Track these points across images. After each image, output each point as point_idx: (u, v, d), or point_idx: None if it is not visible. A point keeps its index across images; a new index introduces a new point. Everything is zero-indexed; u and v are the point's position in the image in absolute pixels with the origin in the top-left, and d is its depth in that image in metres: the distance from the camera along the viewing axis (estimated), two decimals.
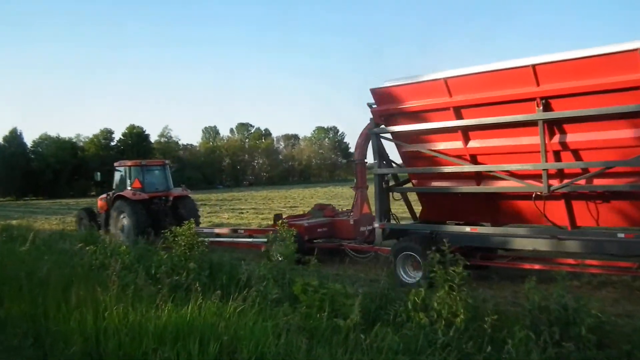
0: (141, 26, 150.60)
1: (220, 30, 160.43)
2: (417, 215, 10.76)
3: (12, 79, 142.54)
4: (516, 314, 5.59)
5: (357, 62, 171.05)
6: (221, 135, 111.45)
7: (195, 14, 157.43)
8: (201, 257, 8.60)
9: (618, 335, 5.29)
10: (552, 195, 8.20)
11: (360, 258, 11.83)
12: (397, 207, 11.42)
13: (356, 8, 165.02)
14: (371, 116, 10.38)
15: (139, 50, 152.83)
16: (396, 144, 10.20)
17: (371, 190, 11.46)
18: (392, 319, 5.82)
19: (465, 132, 8.93)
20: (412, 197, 10.97)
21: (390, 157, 10.57)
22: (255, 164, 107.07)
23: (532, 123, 8.04)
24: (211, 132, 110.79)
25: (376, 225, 10.29)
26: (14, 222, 25.51)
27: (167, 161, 19.22)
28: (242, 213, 27.91)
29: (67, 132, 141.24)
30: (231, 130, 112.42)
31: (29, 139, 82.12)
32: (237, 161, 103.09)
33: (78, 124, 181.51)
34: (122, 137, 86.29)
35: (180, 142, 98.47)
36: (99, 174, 20.53)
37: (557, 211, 8.46)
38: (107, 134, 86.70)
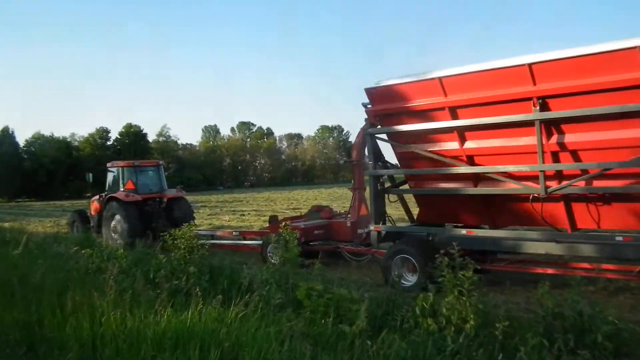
0: (140, 24, 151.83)
1: (220, 29, 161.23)
2: (415, 217, 10.82)
3: (3, 77, 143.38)
4: (529, 320, 5.58)
5: (358, 62, 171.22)
6: (222, 134, 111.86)
7: (195, 12, 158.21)
8: (201, 260, 8.63)
9: (636, 343, 5.28)
10: (550, 197, 8.25)
11: (356, 261, 11.95)
12: (396, 209, 11.43)
13: (356, 8, 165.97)
14: (366, 116, 10.46)
15: (137, 48, 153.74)
16: (391, 145, 10.27)
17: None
18: (399, 325, 5.84)
19: (461, 133, 8.98)
20: (410, 198, 11.02)
21: (386, 158, 10.66)
22: (257, 164, 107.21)
23: (528, 123, 8.08)
24: (211, 131, 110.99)
25: (371, 227, 10.38)
26: (6, 224, 25.64)
27: (160, 162, 19.27)
28: (244, 215, 27.95)
29: (61, 131, 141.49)
30: (232, 130, 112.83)
31: (21, 138, 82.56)
32: (238, 161, 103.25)
33: (73, 122, 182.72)
34: (118, 137, 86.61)
35: (179, 142, 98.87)
36: (90, 174, 20.58)
37: (556, 213, 8.51)
38: (104, 133, 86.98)
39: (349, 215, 13.08)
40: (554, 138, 8.02)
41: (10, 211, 44.42)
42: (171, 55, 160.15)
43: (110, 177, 17.87)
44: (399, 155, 10.35)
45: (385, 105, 9.87)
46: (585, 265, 8.84)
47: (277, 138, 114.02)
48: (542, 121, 7.92)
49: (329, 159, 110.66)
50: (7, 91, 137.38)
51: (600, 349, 4.79)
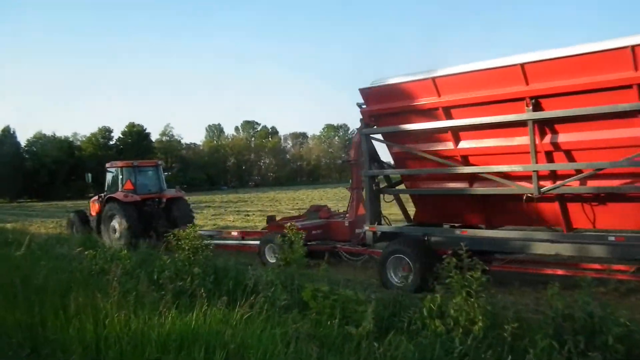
0: (142, 22, 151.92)
1: (223, 28, 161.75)
2: (412, 217, 10.88)
3: (4, 75, 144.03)
4: (538, 321, 5.56)
5: (360, 62, 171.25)
6: (226, 133, 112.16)
7: (199, 10, 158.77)
8: (206, 261, 8.66)
9: None
10: (544, 197, 8.27)
11: (353, 261, 12.02)
12: (395, 209, 11.48)
13: (356, 8, 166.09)
14: (361, 117, 10.51)
15: (140, 47, 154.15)
16: (387, 145, 10.32)
17: None
18: (406, 327, 5.85)
19: (456, 133, 9.02)
20: (408, 198, 11.04)
21: (382, 158, 10.72)
22: (261, 163, 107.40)
23: (522, 123, 8.12)
24: (215, 131, 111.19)
25: (366, 227, 10.44)
26: (8, 225, 25.78)
27: (159, 162, 19.31)
28: (248, 215, 28.01)
29: (63, 130, 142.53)
30: (236, 129, 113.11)
31: (22, 138, 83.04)
32: (243, 161, 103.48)
33: (75, 122, 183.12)
34: (121, 136, 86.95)
35: (182, 141, 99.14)
36: (89, 175, 20.64)
37: (551, 213, 8.54)
38: (106, 132, 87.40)
39: (346, 215, 13.16)
40: (547, 138, 8.07)
41: (12, 212, 44.73)
42: (173, 52, 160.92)
43: (109, 177, 17.94)
44: (394, 155, 10.43)
45: (380, 106, 9.95)
46: (596, 266, 8.82)
47: (282, 137, 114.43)
48: (535, 121, 7.97)
49: (334, 159, 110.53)
50: (7, 91, 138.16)
51: (611, 351, 4.77)
